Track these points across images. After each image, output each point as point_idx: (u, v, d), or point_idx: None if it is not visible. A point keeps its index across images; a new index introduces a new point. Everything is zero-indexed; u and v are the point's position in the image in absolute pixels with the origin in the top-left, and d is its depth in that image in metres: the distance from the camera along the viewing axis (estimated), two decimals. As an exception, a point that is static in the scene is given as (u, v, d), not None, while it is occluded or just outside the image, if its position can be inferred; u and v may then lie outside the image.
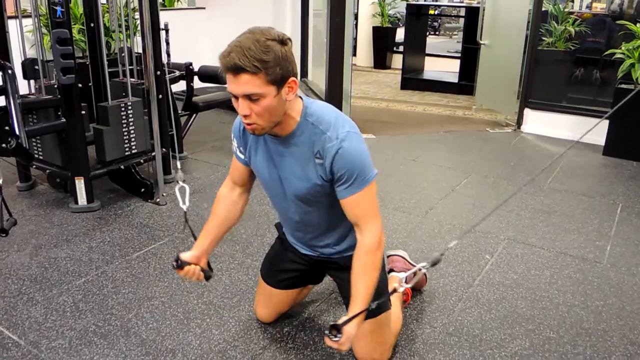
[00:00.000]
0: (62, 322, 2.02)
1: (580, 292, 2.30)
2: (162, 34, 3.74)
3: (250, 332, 1.99)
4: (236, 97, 1.41)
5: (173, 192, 3.23)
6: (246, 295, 2.21)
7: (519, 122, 4.90)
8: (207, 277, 1.73)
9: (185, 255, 1.70)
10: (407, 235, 2.79)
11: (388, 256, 2.24)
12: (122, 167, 3.12)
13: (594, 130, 4.27)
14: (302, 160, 1.55)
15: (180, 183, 1.94)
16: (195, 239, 1.77)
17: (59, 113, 2.91)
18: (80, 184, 2.94)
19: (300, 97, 1.55)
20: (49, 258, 2.49)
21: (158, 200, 3.11)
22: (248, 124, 1.45)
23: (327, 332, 1.45)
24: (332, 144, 1.48)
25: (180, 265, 1.68)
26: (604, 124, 4.19)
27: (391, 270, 2.17)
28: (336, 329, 1.44)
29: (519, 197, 3.31)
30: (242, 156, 1.72)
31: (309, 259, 1.83)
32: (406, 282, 2.16)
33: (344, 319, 1.46)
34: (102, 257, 2.51)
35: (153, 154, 3.14)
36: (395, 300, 1.95)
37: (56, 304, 2.14)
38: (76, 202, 2.98)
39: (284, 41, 1.39)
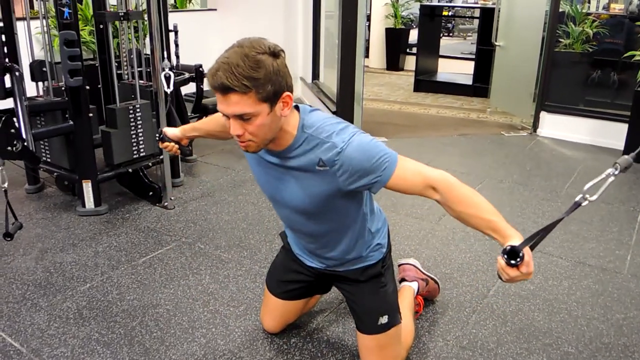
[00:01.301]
0: (65, 330, 1.98)
1: (599, 304, 2.21)
2: (172, 35, 3.73)
3: (256, 342, 1.93)
4: (227, 117, 1.33)
5: (181, 195, 3.24)
6: (253, 304, 2.16)
7: (535, 126, 4.79)
8: (183, 153, 1.96)
9: (169, 132, 1.89)
10: (420, 242, 2.72)
11: (399, 265, 2.17)
12: (130, 170, 3.09)
13: (613, 135, 4.25)
14: (301, 173, 1.47)
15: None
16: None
17: (67, 115, 2.89)
18: (87, 187, 2.91)
19: (297, 106, 1.48)
20: (55, 262, 2.46)
21: (166, 204, 3.07)
22: (241, 142, 1.38)
23: (508, 261, 1.19)
24: (339, 149, 1.38)
25: (162, 139, 1.90)
26: (623, 127, 4.08)
27: (402, 280, 2.10)
28: (514, 252, 1.19)
29: (535, 204, 3.22)
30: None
31: (315, 271, 1.77)
32: (421, 288, 2.09)
33: (514, 243, 1.23)
34: (108, 262, 2.47)
35: (161, 157, 3.11)
36: (407, 312, 1.88)
37: (60, 311, 2.10)
38: (83, 205, 2.95)
39: (276, 53, 1.30)
